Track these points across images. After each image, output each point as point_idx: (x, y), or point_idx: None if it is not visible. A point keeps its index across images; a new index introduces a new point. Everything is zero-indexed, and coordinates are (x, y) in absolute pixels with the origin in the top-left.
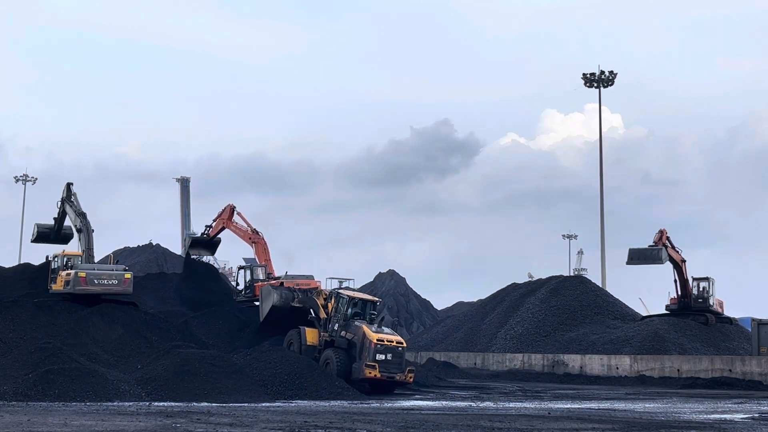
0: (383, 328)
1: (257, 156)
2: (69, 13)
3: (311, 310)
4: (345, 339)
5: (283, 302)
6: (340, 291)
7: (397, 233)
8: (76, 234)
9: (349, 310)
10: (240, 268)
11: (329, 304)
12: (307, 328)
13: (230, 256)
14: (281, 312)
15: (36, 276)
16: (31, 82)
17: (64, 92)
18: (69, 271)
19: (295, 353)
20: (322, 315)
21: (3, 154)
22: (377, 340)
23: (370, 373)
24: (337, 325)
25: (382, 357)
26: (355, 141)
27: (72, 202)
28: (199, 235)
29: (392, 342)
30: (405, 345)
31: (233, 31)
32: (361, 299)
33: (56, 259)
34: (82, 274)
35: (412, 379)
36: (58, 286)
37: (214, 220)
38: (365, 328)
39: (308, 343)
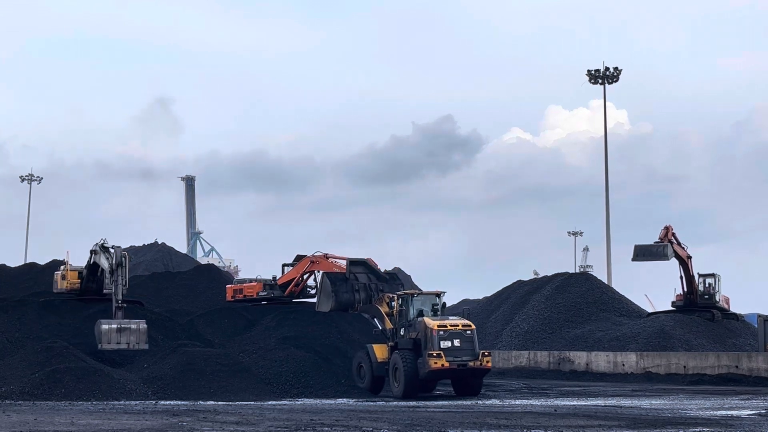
0: (446, 315)
1: (258, 153)
2: (70, 12)
3: (375, 321)
4: (410, 339)
5: (339, 308)
6: (397, 293)
7: (401, 230)
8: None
9: (412, 309)
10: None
11: (393, 311)
12: (374, 345)
13: (234, 254)
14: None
15: (42, 275)
16: (32, 82)
17: (64, 91)
18: None
19: (300, 351)
20: (388, 326)
21: (4, 153)
22: (438, 326)
23: (435, 363)
24: (402, 329)
25: (448, 344)
26: (357, 137)
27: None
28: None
29: (457, 326)
30: (473, 328)
31: (234, 30)
32: (421, 294)
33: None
34: None
35: (490, 364)
36: None
37: None
38: (426, 319)
39: (379, 360)
